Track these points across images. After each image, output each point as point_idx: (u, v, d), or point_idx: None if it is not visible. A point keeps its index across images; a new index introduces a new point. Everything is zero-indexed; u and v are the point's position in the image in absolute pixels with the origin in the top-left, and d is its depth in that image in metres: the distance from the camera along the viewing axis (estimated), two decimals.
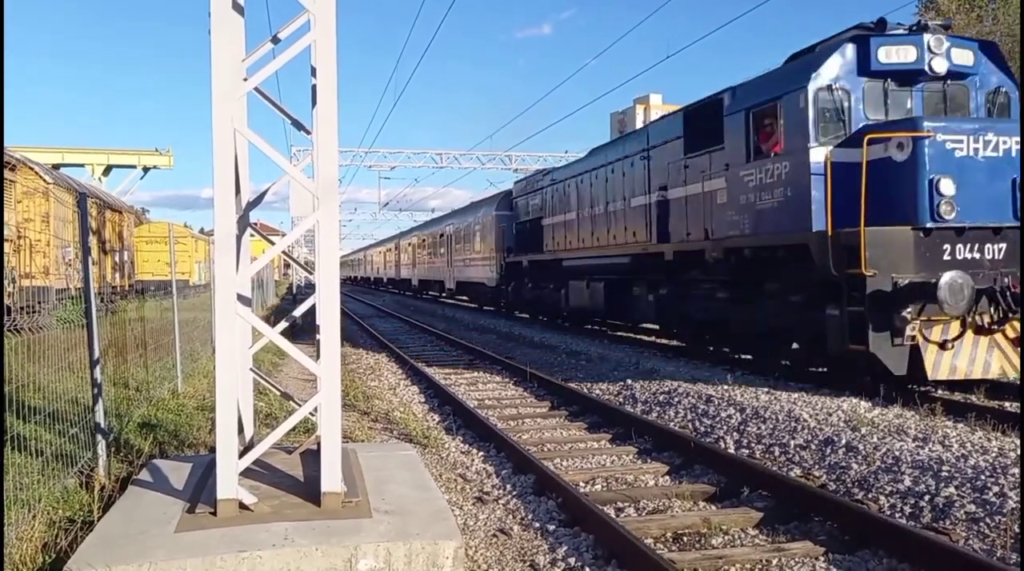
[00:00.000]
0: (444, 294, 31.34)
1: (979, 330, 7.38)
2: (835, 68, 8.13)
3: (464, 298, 28.84)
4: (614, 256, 13.54)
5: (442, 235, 30.52)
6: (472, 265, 25.14)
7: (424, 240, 35.31)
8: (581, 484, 5.26)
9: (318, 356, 3.72)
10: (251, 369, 4.41)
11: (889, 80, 8.20)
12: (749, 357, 10.18)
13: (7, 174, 13.33)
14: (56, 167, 26.41)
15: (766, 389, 8.04)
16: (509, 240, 20.99)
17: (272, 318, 17.82)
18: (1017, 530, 4.09)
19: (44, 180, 16.66)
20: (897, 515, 4.54)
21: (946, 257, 7.39)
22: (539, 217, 18.11)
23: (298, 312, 4.77)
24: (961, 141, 7.42)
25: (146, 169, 36.46)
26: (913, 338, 7.19)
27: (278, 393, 4.84)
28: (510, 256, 20.46)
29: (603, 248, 14.12)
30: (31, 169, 16.96)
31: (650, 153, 12.26)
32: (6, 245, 13.05)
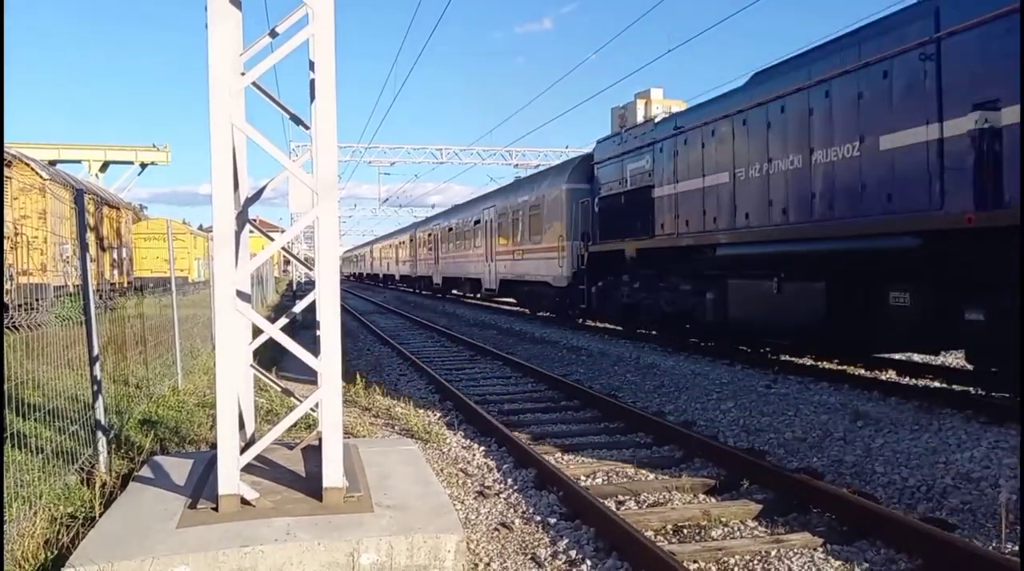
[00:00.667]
0: (479, 295, 25.67)
1: None
2: None
3: (510, 301, 23.13)
4: (853, 238, 7.64)
5: (478, 222, 24.21)
6: (527, 258, 18.96)
7: (451, 229, 28.64)
8: (582, 478, 5.28)
9: (318, 352, 3.73)
10: (252, 365, 4.42)
11: None
12: None
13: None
14: (52, 163, 26.35)
15: None
16: (588, 223, 14.99)
17: (272, 315, 17.81)
18: (1012, 519, 4.11)
19: (40, 176, 16.63)
20: (894, 505, 4.56)
21: None
22: (646, 186, 12.45)
23: (298, 308, 4.77)
24: None
25: (143, 165, 36.38)
26: None
27: (279, 389, 4.85)
28: (593, 244, 14.52)
29: (814, 228, 8.28)
30: (27, 165, 16.93)
31: (942, 46, 6.75)
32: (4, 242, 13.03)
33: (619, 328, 14.31)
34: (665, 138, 11.98)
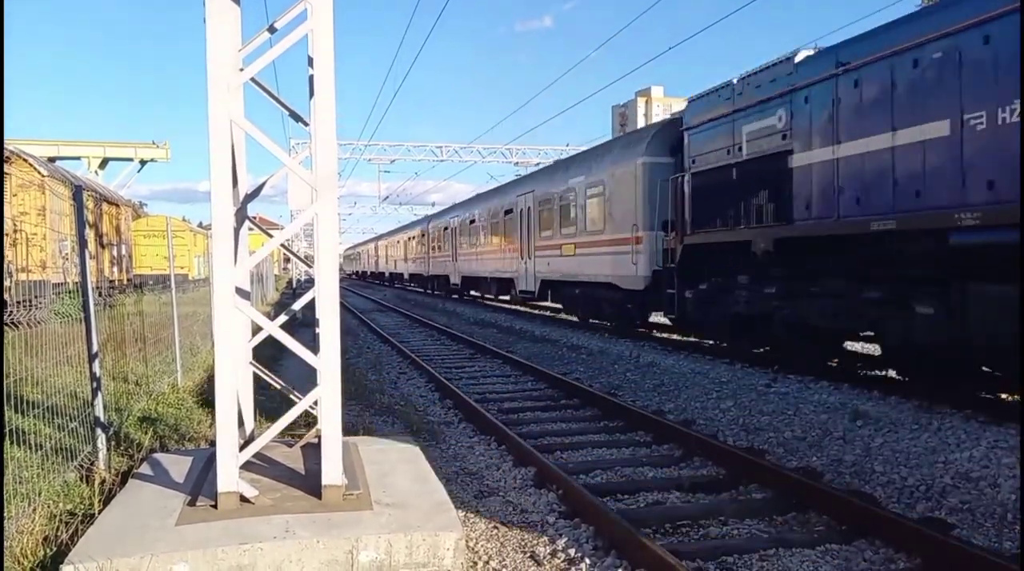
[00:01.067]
0: (509, 298, 22.28)
1: None
2: None
3: (554, 306, 19.77)
4: None
5: (509, 212, 20.66)
6: (581, 254, 15.36)
7: (473, 221, 25.09)
8: (581, 476, 5.27)
9: (318, 349, 3.72)
10: (251, 363, 4.41)
11: None
12: None
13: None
14: (52, 160, 26.38)
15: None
16: (675, 207, 11.30)
17: (272, 313, 17.79)
18: (1011, 518, 4.11)
19: (39, 173, 16.62)
20: (893, 505, 4.56)
21: None
22: (777, 152, 8.92)
23: (297, 305, 4.77)
24: None
25: (143, 162, 36.41)
26: None
27: (278, 387, 4.84)
28: (690, 234, 10.82)
29: None
30: (26, 162, 16.92)
31: None
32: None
33: (717, 344, 10.97)
34: (815, 82, 8.28)
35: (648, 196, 12.55)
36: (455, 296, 28.82)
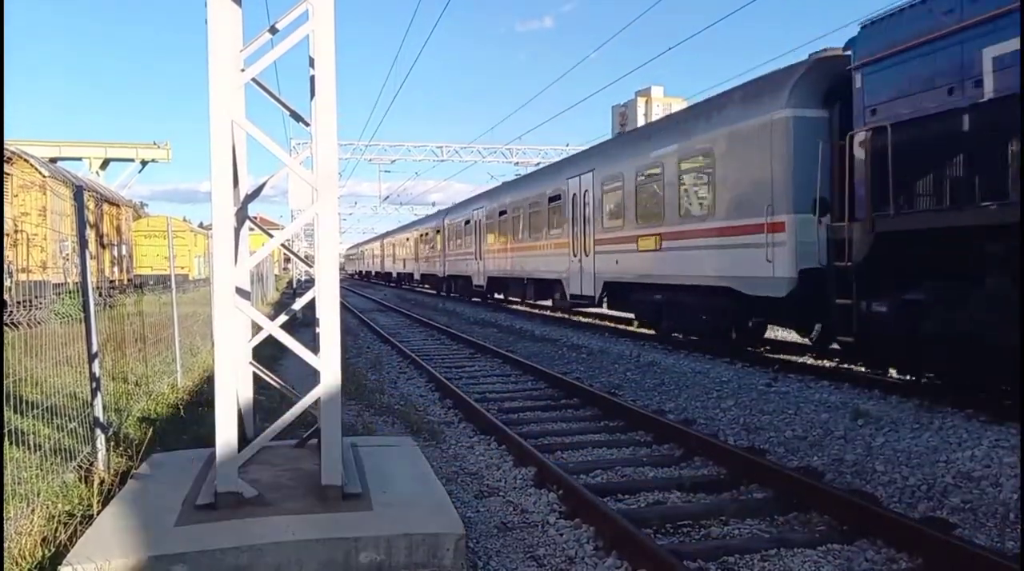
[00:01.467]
0: (554, 303, 18.35)
1: None
2: None
3: (624, 315, 15.62)
4: None
5: (556, 199, 16.99)
6: (671, 249, 11.63)
7: (503, 213, 21.46)
8: (581, 476, 5.27)
9: (318, 349, 3.71)
10: (251, 363, 4.41)
11: None
12: None
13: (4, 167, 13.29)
14: (53, 161, 26.40)
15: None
16: (846, 180, 7.86)
17: (272, 313, 17.78)
18: (1013, 518, 4.10)
19: (41, 173, 16.62)
20: (894, 504, 4.55)
21: None
22: None
23: (298, 305, 4.76)
24: None
25: (144, 163, 36.40)
26: None
27: (278, 386, 4.84)
28: (893, 214, 7.18)
29: None
30: (28, 162, 16.93)
31: None
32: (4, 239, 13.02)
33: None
34: None
35: (793, 164, 8.82)
36: (476, 299, 25.41)
